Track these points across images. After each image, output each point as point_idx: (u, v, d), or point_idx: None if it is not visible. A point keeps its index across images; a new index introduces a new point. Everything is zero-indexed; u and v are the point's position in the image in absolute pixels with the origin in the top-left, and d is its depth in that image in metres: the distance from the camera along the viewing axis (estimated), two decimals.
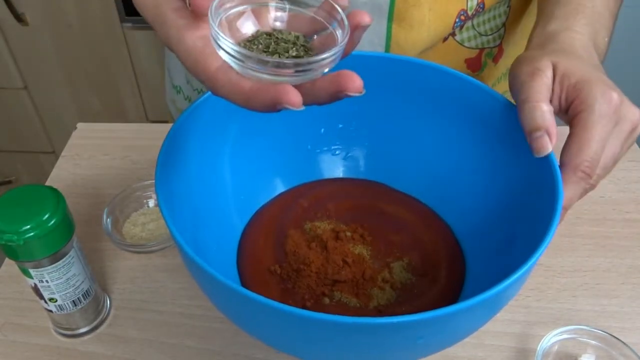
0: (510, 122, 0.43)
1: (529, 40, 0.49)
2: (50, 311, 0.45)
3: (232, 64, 0.30)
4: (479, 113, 0.46)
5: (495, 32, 0.62)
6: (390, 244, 0.48)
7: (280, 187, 0.52)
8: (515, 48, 0.67)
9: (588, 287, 0.50)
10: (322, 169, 0.53)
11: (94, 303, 0.47)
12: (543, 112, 0.39)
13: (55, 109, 1.50)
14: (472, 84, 0.46)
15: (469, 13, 0.57)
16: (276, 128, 0.50)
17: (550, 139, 0.38)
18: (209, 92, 0.44)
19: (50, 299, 0.44)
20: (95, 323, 0.48)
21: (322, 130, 0.52)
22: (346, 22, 0.31)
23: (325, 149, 0.53)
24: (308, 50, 0.32)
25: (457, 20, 0.57)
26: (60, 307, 0.45)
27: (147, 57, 1.36)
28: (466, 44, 0.61)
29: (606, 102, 0.39)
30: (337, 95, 0.30)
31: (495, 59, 0.65)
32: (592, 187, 0.40)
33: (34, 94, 1.47)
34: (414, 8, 0.54)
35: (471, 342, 0.46)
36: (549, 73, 0.41)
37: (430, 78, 0.48)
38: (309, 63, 0.29)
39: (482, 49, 0.62)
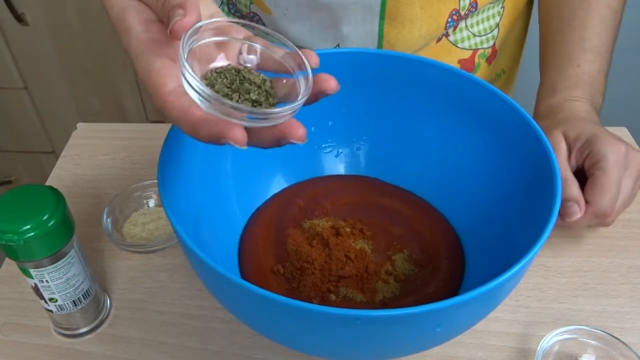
0: (508, 118, 0.44)
1: (536, 110, 0.57)
2: (50, 311, 0.45)
3: (192, 95, 0.30)
4: (477, 108, 0.47)
5: (489, 33, 0.62)
6: (389, 237, 0.49)
7: (275, 187, 0.52)
8: (508, 49, 0.67)
9: (588, 287, 0.50)
10: (315, 167, 0.54)
11: (94, 303, 0.47)
12: (573, 187, 0.47)
13: (55, 109, 1.50)
14: (469, 80, 0.46)
15: (462, 13, 0.57)
16: None
17: (580, 208, 0.47)
18: None
19: (50, 299, 0.44)
20: (95, 323, 0.48)
21: (312, 128, 0.52)
22: (310, 81, 0.32)
23: (316, 147, 0.53)
24: (269, 97, 0.32)
25: (449, 19, 0.57)
26: (61, 307, 0.45)
27: None
28: (459, 45, 0.61)
29: (616, 151, 0.47)
30: (279, 142, 0.31)
31: (489, 60, 0.65)
32: (610, 223, 0.49)
33: (34, 94, 1.47)
34: (405, 6, 0.55)
35: (472, 342, 0.46)
36: (563, 145, 0.50)
37: (425, 74, 0.48)
38: (264, 114, 0.29)
39: (475, 50, 0.62)
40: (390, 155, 0.53)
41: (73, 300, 0.45)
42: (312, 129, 0.52)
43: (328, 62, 0.49)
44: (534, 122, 0.43)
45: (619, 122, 0.66)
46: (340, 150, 0.54)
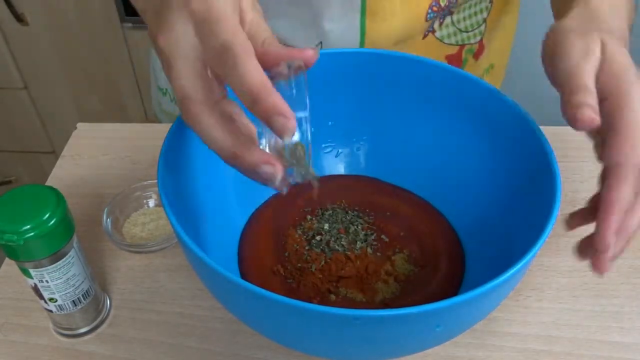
0: (508, 118, 0.44)
1: (563, 7, 0.46)
2: (50, 311, 0.45)
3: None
4: (477, 108, 0.47)
5: (475, 29, 0.62)
6: (389, 237, 0.48)
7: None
8: (496, 44, 0.67)
9: (588, 287, 0.50)
10: (315, 167, 0.53)
11: (94, 303, 0.47)
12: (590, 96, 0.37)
13: (55, 109, 1.50)
14: (469, 80, 0.46)
15: (442, 4, 0.56)
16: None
17: (595, 114, 0.36)
18: None
19: (50, 299, 0.44)
20: (95, 323, 0.48)
21: (312, 128, 0.52)
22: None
23: (316, 147, 0.53)
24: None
25: (429, 11, 0.56)
26: (60, 307, 0.45)
27: (147, 57, 1.36)
28: (446, 41, 0.61)
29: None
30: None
31: (476, 56, 0.65)
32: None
33: (34, 94, 1.47)
34: (385, 0, 0.54)
35: (471, 342, 0.46)
36: (598, 54, 0.39)
37: (425, 74, 0.48)
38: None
39: (462, 46, 0.62)
40: (390, 155, 0.53)
41: (73, 300, 0.45)
42: (312, 129, 0.52)
43: (327, 63, 0.49)
44: (533, 121, 0.43)
45: None
46: (340, 150, 0.54)
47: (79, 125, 0.68)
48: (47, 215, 0.39)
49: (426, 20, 0.58)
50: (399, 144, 0.52)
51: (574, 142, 0.61)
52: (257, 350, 0.46)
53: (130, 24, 1.30)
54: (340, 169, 0.54)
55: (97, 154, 0.64)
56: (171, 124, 0.42)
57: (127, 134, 0.67)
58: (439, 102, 0.49)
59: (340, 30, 0.57)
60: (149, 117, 1.50)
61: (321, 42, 0.58)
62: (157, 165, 0.39)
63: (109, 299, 0.50)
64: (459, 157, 0.49)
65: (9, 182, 1.64)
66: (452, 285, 0.45)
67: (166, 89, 0.72)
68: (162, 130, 0.60)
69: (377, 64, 0.49)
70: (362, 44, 0.57)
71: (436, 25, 0.59)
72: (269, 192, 0.52)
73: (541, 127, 0.42)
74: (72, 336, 0.48)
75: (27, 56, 1.39)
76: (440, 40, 0.61)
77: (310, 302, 0.43)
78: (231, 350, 0.46)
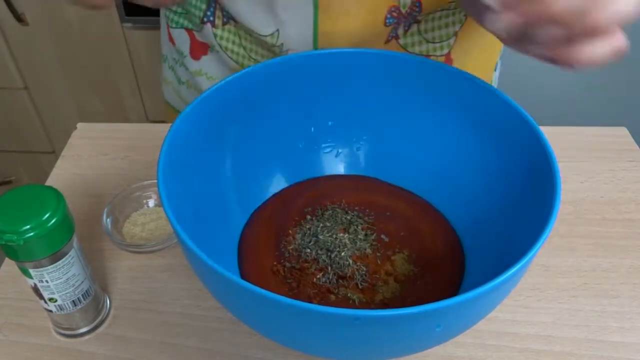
0: (508, 118, 0.44)
1: None
2: (50, 311, 0.45)
3: None
4: (477, 108, 0.47)
5: (444, 41, 0.60)
6: (389, 237, 0.48)
7: (275, 187, 0.52)
8: (465, 58, 0.64)
9: (588, 287, 0.50)
10: (315, 167, 0.54)
11: (94, 303, 0.47)
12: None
13: (55, 109, 1.50)
14: (469, 80, 0.46)
15: (403, 10, 0.55)
16: (269, 126, 0.50)
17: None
18: (207, 92, 0.44)
19: (50, 299, 0.44)
20: (95, 323, 0.48)
21: (312, 129, 0.52)
22: None
23: (316, 147, 0.53)
24: None
25: (388, 16, 0.55)
26: (60, 307, 0.45)
27: (147, 57, 1.36)
28: (409, 49, 0.59)
29: None
30: None
31: None
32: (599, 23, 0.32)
33: (34, 94, 1.47)
34: None
35: (471, 342, 0.46)
36: None
37: (425, 74, 0.48)
38: None
39: (427, 56, 0.60)
40: (390, 155, 0.53)
41: (73, 300, 0.45)
42: (312, 129, 0.53)
43: (327, 63, 0.49)
44: (534, 122, 0.43)
45: (619, 122, 0.66)
46: (340, 150, 0.54)
47: (79, 125, 0.68)
48: (47, 215, 0.39)
49: (385, 25, 0.56)
50: (399, 144, 0.52)
51: (574, 142, 0.61)
52: (256, 350, 0.46)
53: (130, 24, 1.30)
54: (340, 169, 0.54)
55: (97, 154, 0.64)
56: (171, 124, 0.42)
57: (127, 134, 0.67)
58: (439, 102, 0.49)
59: (295, 21, 0.56)
60: (149, 117, 1.50)
61: (278, 30, 0.57)
62: (157, 165, 0.39)
63: (109, 299, 0.50)
64: (459, 157, 0.49)
65: (9, 182, 1.64)
66: (452, 285, 0.45)
67: (166, 56, 0.71)
68: (162, 130, 0.60)
69: (377, 64, 0.49)
70: (315, 38, 0.56)
71: (400, 32, 0.58)
72: (268, 192, 0.52)
73: (541, 127, 0.42)
74: (72, 336, 0.48)
75: (27, 56, 1.39)
76: (404, 48, 0.59)
77: (310, 302, 0.43)
78: (231, 350, 0.46)
